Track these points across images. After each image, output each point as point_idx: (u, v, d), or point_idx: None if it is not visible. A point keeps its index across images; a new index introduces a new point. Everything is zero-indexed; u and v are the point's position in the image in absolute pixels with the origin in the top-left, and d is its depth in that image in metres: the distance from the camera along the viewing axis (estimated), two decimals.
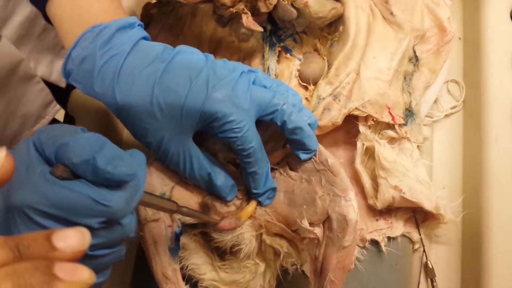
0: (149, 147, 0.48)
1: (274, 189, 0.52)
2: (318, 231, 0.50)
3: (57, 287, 0.23)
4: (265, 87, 0.48)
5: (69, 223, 0.35)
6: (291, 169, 0.53)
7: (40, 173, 0.34)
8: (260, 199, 0.51)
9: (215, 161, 0.50)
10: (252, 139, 0.47)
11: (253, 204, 0.52)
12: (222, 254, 0.55)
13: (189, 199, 0.52)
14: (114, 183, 0.36)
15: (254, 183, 0.50)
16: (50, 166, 0.35)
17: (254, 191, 0.51)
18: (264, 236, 0.52)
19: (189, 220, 0.52)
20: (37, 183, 0.34)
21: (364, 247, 0.59)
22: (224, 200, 0.51)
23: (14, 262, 0.23)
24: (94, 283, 0.36)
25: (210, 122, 0.46)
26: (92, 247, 0.37)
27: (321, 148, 0.51)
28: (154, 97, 0.44)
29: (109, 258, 0.40)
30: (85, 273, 0.24)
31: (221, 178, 0.50)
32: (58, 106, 0.64)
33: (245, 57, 0.61)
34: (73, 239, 0.25)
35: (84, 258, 0.37)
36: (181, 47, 0.47)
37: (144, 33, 0.48)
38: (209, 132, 0.47)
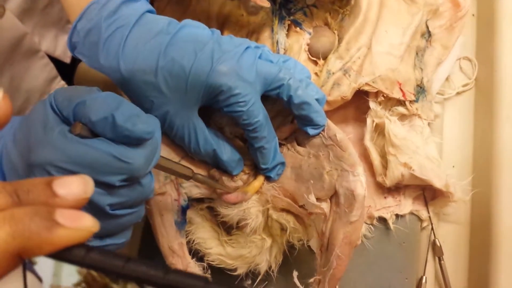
0: None
1: (283, 164, 0.52)
2: (325, 206, 0.49)
3: (58, 233, 0.22)
4: (271, 62, 0.48)
5: None
6: (299, 144, 0.53)
7: (59, 132, 0.35)
8: (269, 174, 0.51)
9: (221, 136, 0.50)
10: (258, 113, 0.46)
11: (260, 179, 0.52)
12: (228, 228, 0.55)
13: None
14: (133, 140, 0.36)
15: (262, 158, 0.50)
16: (68, 126, 0.36)
17: (263, 166, 0.50)
18: (271, 211, 0.52)
19: (195, 194, 0.52)
20: (57, 142, 0.34)
21: (371, 224, 0.59)
22: (230, 175, 0.51)
23: (13, 207, 0.23)
24: (116, 244, 0.36)
25: (215, 96, 0.45)
26: (113, 206, 0.37)
27: (329, 123, 0.50)
28: (159, 69, 0.44)
29: (130, 218, 0.40)
30: (88, 220, 0.23)
31: (227, 153, 0.49)
32: (62, 82, 0.64)
33: (254, 31, 0.59)
34: (75, 186, 0.24)
35: (105, 217, 0.38)
36: (187, 21, 0.47)
37: (149, 7, 0.47)
38: (215, 106, 0.47)
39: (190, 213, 0.54)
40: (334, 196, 0.49)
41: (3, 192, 0.23)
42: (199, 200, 0.54)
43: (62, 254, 0.22)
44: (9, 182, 0.23)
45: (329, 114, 0.53)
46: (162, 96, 0.45)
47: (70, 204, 0.24)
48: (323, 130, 0.50)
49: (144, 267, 0.22)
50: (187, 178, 0.45)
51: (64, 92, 0.37)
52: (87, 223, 0.23)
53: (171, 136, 0.49)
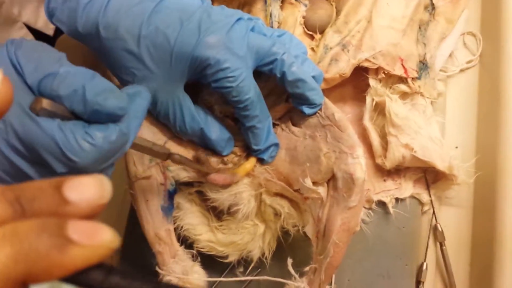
0: None
1: (276, 145, 0.51)
2: (322, 190, 0.49)
3: (72, 253, 0.18)
4: (264, 35, 0.47)
5: (33, 163, 0.33)
6: (294, 124, 0.52)
7: (18, 103, 0.32)
8: (262, 155, 0.50)
9: (209, 114, 0.49)
10: (248, 90, 0.45)
11: (252, 160, 0.51)
12: (219, 214, 0.54)
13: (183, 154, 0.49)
14: (103, 117, 0.34)
15: (254, 138, 0.49)
16: (30, 93, 0.33)
17: (255, 147, 0.49)
18: (264, 196, 0.51)
19: (183, 177, 0.51)
20: (12, 113, 0.32)
21: (370, 209, 0.57)
22: (220, 155, 0.50)
23: (15, 219, 0.19)
24: None
25: (202, 70, 0.44)
26: None
27: (327, 101, 0.49)
28: (141, 39, 0.42)
29: None
30: (107, 235, 0.19)
31: (215, 131, 0.48)
32: None
33: (246, 2, 0.57)
34: (90, 189, 0.20)
35: None
36: None
37: None
38: (202, 82, 0.46)
39: (178, 198, 0.53)
40: (331, 180, 0.48)
41: (2, 201, 0.19)
42: (188, 184, 0.53)
43: (76, 278, 0.19)
44: (9, 186, 0.19)
45: (326, 92, 0.52)
46: (144, 68, 0.44)
47: (84, 212, 0.20)
48: (320, 109, 0.49)
49: None
50: (164, 158, 0.44)
51: (28, 53, 0.34)
52: (106, 238, 0.19)
53: (154, 114, 0.47)
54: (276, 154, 0.51)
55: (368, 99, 0.55)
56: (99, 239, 0.19)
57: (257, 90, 0.46)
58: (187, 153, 0.51)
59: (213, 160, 0.50)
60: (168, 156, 0.44)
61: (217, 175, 0.49)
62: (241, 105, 0.46)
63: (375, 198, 0.56)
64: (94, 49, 0.44)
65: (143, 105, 0.39)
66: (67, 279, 0.19)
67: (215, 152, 0.50)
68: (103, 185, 0.20)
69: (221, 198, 0.51)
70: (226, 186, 0.50)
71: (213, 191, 0.51)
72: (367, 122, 0.56)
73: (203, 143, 0.50)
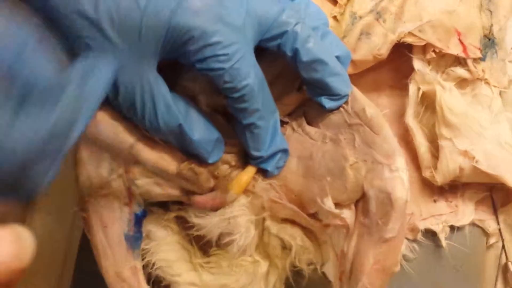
0: None
1: (285, 152, 0.51)
2: (348, 215, 0.50)
3: None
4: None
5: None
6: (309, 123, 0.53)
7: None
8: (265, 166, 0.51)
9: (192, 106, 0.49)
10: (247, 74, 0.46)
11: (250, 172, 0.51)
12: (205, 247, 0.55)
13: (159, 165, 0.51)
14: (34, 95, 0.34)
15: (253, 141, 0.50)
16: None
17: (255, 153, 0.50)
18: (268, 222, 0.52)
19: (157, 195, 0.52)
20: None
21: (415, 241, 0.58)
22: (205, 164, 0.50)
23: None
24: None
25: (182, 45, 0.44)
26: None
27: (355, 92, 0.50)
28: (100, 1, 0.43)
29: None
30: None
31: (199, 130, 0.48)
32: None
33: None
34: (6, 247, 0.20)
35: None
36: None
37: None
38: (182, 62, 0.46)
39: (148, 224, 0.53)
40: (361, 201, 0.49)
41: None
42: (163, 205, 0.53)
43: None
44: None
45: (354, 78, 0.53)
46: (103, 39, 0.44)
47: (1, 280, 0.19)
48: (345, 103, 0.50)
49: None
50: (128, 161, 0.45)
51: None
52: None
53: (114, 103, 0.48)
54: (285, 164, 0.52)
55: (412, 88, 0.56)
56: None
57: (258, 74, 0.47)
58: (164, 159, 0.51)
59: (200, 172, 0.50)
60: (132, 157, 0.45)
61: (204, 196, 0.50)
62: (236, 94, 0.46)
63: (422, 225, 0.57)
64: (37, 10, 0.43)
65: (99, 85, 0.39)
66: None
67: (197, 158, 0.50)
68: (21, 240, 0.20)
69: (209, 224, 0.51)
70: (215, 208, 0.51)
71: (198, 215, 0.52)
72: (410, 120, 0.57)
73: (181, 145, 0.50)
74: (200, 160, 0.50)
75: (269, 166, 0.51)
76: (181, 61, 0.46)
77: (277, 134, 0.50)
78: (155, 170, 0.49)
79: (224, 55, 0.44)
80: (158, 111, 0.47)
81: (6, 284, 0.19)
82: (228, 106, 0.48)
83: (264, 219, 0.52)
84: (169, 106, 0.47)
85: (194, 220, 0.52)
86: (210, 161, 0.50)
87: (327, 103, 0.50)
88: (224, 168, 0.51)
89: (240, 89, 0.46)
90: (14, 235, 0.20)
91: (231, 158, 0.52)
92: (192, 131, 0.48)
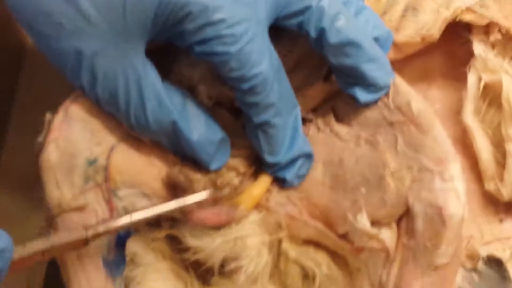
0: (64, 66, 0.47)
1: (308, 157, 0.51)
2: (388, 236, 0.49)
3: None
4: None
5: None
6: (339, 120, 0.53)
7: None
8: (282, 174, 0.51)
9: (190, 98, 0.50)
10: (259, 59, 0.46)
11: (264, 182, 0.51)
12: (205, 275, 0.54)
13: (143, 171, 0.51)
14: None
15: (268, 144, 0.49)
16: None
17: (270, 159, 0.50)
18: (286, 245, 0.51)
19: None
20: None
21: (474, 270, 0.56)
22: (206, 171, 0.50)
23: None
24: None
25: (177, 24, 0.45)
26: None
27: (398, 82, 0.50)
28: None
29: None
30: None
31: (198, 129, 0.49)
32: None
33: None
34: None
35: None
36: None
37: None
38: (178, 44, 0.47)
39: (133, 246, 0.52)
40: (404, 218, 0.49)
41: None
42: (151, 223, 0.52)
43: None
44: None
45: (397, 65, 0.52)
46: (79, 16, 0.45)
47: None
48: (385, 95, 0.50)
49: None
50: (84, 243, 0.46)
51: None
52: None
53: (90, 94, 0.48)
54: (307, 172, 0.51)
55: (472, 78, 0.56)
56: None
57: (274, 60, 0.47)
58: (152, 166, 0.51)
59: (196, 179, 0.50)
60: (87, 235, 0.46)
61: (206, 211, 0.49)
62: (245, 85, 0.46)
63: (484, 251, 0.56)
64: None
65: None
66: None
67: (197, 164, 0.50)
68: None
69: (210, 247, 0.50)
70: (219, 227, 0.50)
71: (196, 235, 0.51)
72: (469, 118, 0.56)
73: (176, 148, 0.50)
74: (199, 166, 0.50)
75: (288, 175, 0.51)
76: (175, 43, 0.47)
77: (298, 135, 0.50)
78: (140, 180, 0.49)
79: (230, 35, 0.44)
80: (147, 105, 0.47)
81: None
82: (236, 99, 0.48)
83: (280, 241, 0.52)
84: (161, 98, 0.47)
85: (191, 241, 0.51)
86: (213, 167, 0.50)
87: (362, 96, 0.50)
88: (230, 176, 0.51)
89: (250, 78, 0.46)
90: None
91: (239, 163, 0.52)
92: (189, 130, 0.48)
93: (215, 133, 0.50)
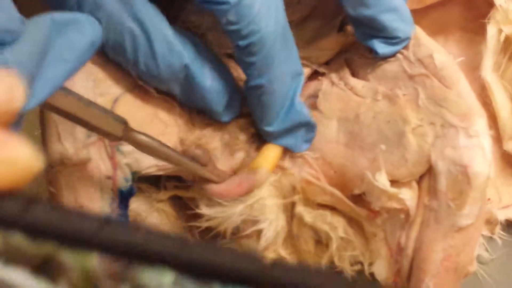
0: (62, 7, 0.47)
1: (309, 127, 0.51)
2: (408, 196, 0.49)
3: None
4: None
5: None
6: (354, 74, 0.52)
7: None
8: (283, 143, 0.51)
9: (201, 44, 0.49)
10: (261, 15, 0.45)
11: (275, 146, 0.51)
12: (213, 238, 0.54)
13: (149, 126, 0.51)
14: None
15: (261, 111, 0.50)
16: None
17: (263, 127, 0.50)
18: (300, 208, 0.51)
19: (148, 167, 0.51)
20: None
21: (492, 236, 0.57)
22: (218, 124, 0.51)
23: None
24: None
25: None
26: None
27: (419, 33, 0.50)
28: None
29: None
30: (23, 149, 0.23)
31: (211, 74, 0.49)
32: None
33: None
34: None
35: None
36: None
37: None
38: None
39: (137, 205, 0.53)
40: (426, 177, 0.49)
41: None
42: (156, 180, 0.53)
43: None
44: None
45: (417, 16, 0.51)
46: None
47: None
48: (405, 47, 0.50)
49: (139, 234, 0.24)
50: (116, 137, 0.44)
51: None
52: (22, 153, 0.23)
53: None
54: (311, 140, 0.51)
55: (492, 31, 0.56)
56: (13, 152, 0.23)
57: (280, 18, 0.46)
58: (158, 122, 0.51)
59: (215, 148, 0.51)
60: (123, 133, 0.44)
61: (225, 185, 0.49)
62: (241, 42, 0.45)
63: (502, 215, 0.57)
64: None
65: (79, 43, 0.39)
66: None
67: (207, 116, 0.51)
68: (12, 84, 0.25)
69: (225, 212, 0.50)
70: (242, 196, 0.50)
71: (209, 201, 0.51)
72: (488, 74, 0.56)
73: (187, 95, 0.50)
74: (209, 124, 0.51)
75: (290, 143, 0.51)
76: None
77: (293, 104, 0.50)
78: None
79: None
80: (157, 50, 0.47)
81: None
82: (235, 55, 0.49)
83: (293, 204, 0.52)
84: (171, 42, 0.47)
85: (203, 209, 0.51)
86: (224, 119, 0.51)
87: (382, 47, 0.49)
88: (240, 137, 0.52)
89: (247, 35, 0.45)
90: (3, 78, 0.25)
91: (251, 123, 0.52)
92: (202, 75, 0.48)
93: (228, 83, 0.50)
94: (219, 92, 0.49)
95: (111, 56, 0.49)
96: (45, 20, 0.39)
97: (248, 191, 0.50)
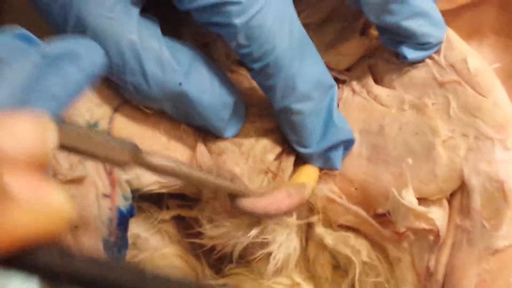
0: (49, 17, 0.47)
1: (349, 143, 0.50)
2: (438, 215, 0.48)
3: (11, 214, 0.24)
4: None
5: None
6: (378, 81, 0.52)
7: None
8: (318, 165, 0.50)
9: (199, 55, 0.49)
10: (274, 33, 0.45)
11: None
12: (219, 262, 0.55)
13: (151, 140, 0.51)
14: None
15: (294, 133, 0.49)
16: None
17: (300, 150, 0.49)
18: (320, 230, 0.51)
19: (150, 184, 0.51)
20: None
21: None
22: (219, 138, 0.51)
23: None
24: None
25: None
26: None
27: (451, 36, 0.49)
28: None
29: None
30: (57, 195, 0.25)
31: (209, 90, 0.48)
32: None
33: None
34: (26, 132, 0.26)
35: None
36: None
37: None
38: (178, 8, 0.46)
39: (136, 227, 0.53)
40: (458, 194, 0.48)
41: None
42: (157, 199, 0.53)
43: (21, 259, 0.25)
44: None
45: (447, 17, 0.51)
46: None
47: (21, 164, 0.25)
48: (436, 52, 0.49)
49: None
50: (123, 165, 0.43)
51: None
52: (57, 199, 0.25)
53: None
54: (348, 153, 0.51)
55: None
56: (48, 198, 0.25)
57: (295, 32, 0.45)
58: (160, 136, 0.51)
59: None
60: (132, 158, 0.42)
61: (270, 196, 0.48)
62: (256, 65, 0.45)
63: None
64: None
65: (72, 78, 0.39)
66: (4, 261, 0.24)
67: (209, 133, 0.50)
68: (45, 126, 0.26)
69: (230, 232, 0.50)
70: (289, 212, 0.49)
71: (214, 219, 0.51)
72: None
73: (184, 116, 0.49)
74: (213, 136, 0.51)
75: (330, 165, 0.50)
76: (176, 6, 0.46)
77: (332, 120, 0.49)
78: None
79: (233, 2, 0.43)
80: (146, 68, 0.47)
81: (31, 169, 0.25)
82: (251, 76, 0.48)
83: (309, 225, 0.51)
84: (162, 58, 0.47)
85: (209, 231, 0.51)
86: (228, 134, 0.50)
87: (411, 53, 0.49)
88: (269, 159, 0.51)
89: (260, 57, 0.45)
90: (35, 121, 0.27)
91: (272, 141, 0.51)
92: (199, 92, 0.48)
93: (229, 95, 0.49)
94: (220, 108, 0.49)
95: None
96: (34, 55, 0.39)
97: (299, 205, 0.49)
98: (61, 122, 0.40)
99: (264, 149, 0.51)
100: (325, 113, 0.49)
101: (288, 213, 0.49)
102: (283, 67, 0.46)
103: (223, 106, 0.49)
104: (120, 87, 0.49)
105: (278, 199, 0.48)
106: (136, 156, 0.42)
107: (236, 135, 0.52)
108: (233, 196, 0.48)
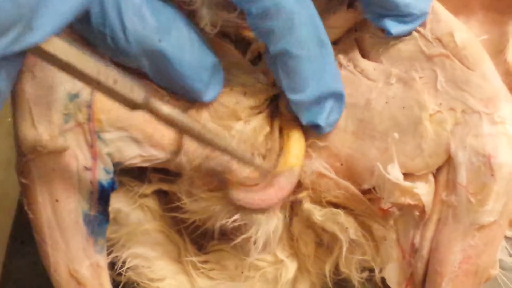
0: None
1: (339, 98, 0.50)
2: (424, 190, 0.49)
3: None
4: None
5: None
6: (365, 55, 0.52)
7: None
8: (312, 119, 0.50)
9: (180, 16, 0.49)
10: None
11: (297, 133, 0.51)
12: (201, 238, 0.55)
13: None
14: None
15: (288, 78, 0.49)
16: None
17: (292, 97, 0.49)
18: (309, 205, 0.52)
19: (132, 158, 0.51)
20: None
21: None
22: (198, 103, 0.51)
23: None
24: None
25: None
26: None
27: (438, 8, 0.49)
28: None
29: None
30: None
31: (189, 49, 0.48)
32: None
33: None
34: None
35: None
36: None
37: None
38: None
39: (117, 202, 0.53)
40: (444, 169, 0.49)
41: None
42: (139, 173, 0.53)
43: None
44: None
45: None
46: None
47: None
48: (422, 24, 0.49)
49: None
50: (132, 106, 0.43)
51: None
52: None
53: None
54: (339, 115, 0.51)
55: None
56: None
57: None
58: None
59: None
60: (144, 100, 0.43)
61: (263, 190, 0.49)
62: (254, 8, 0.45)
63: None
64: None
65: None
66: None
67: (186, 99, 0.51)
68: None
69: (210, 209, 0.51)
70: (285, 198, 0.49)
71: (194, 193, 0.51)
72: None
73: (161, 76, 0.49)
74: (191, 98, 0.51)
75: (319, 119, 0.50)
76: None
77: (327, 69, 0.49)
78: (129, 122, 0.49)
79: None
80: (126, 22, 0.47)
81: None
82: (249, 25, 0.47)
83: (295, 202, 0.52)
84: (143, 14, 0.47)
85: (189, 205, 0.52)
86: (207, 98, 0.51)
87: (394, 26, 0.49)
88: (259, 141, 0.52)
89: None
90: None
91: (260, 117, 0.52)
92: (179, 51, 0.48)
93: (209, 57, 0.50)
94: (199, 69, 0.49)
95: (75, 28, 0.48)
96: None
97: (290, 193, 0.50)
98: (81, 50, 0.41)
99: (254, 131, 0.52)
100: (321, 62, 0.49)
101: (279, 203, 0.50)
102: (283, 8, 0.46)
103: (203, 67, 0.49)
104: (99, 45, 0.48)
105: (272, 195, 0.49)
106: (148, 101, 0.43)
107: (223, 117, 0.52)
108: (229, 183, 0.49)
